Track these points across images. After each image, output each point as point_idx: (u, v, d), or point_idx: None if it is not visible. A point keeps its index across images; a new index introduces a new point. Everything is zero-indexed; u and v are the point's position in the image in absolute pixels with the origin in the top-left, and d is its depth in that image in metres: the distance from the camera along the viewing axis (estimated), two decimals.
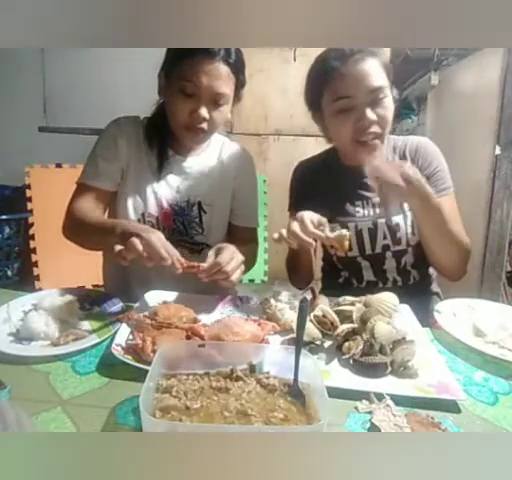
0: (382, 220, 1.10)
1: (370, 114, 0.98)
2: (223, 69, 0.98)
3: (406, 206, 1.10)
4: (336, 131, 1.06)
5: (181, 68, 0.98)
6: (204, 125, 1.02)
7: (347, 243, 0.92)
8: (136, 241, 0.82)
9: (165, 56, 1.05)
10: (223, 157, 1.19)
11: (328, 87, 1.01)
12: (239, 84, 1.05)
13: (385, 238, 1.10)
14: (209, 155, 1.19)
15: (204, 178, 1.16)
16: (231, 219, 1.22)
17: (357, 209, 1.12)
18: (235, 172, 1.20)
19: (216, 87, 0.98)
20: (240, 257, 0.94)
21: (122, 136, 1.10)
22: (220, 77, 0.98)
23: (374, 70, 0.98)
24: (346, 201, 1.13)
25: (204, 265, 0.90)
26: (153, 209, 1.12)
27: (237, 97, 1.09)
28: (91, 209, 1.06)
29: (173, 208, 1.13)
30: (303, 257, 1.11)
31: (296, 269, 1.18)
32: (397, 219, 1.09)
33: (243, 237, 1.21)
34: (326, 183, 1.15)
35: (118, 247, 0.84)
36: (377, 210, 1.11)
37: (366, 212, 1.12)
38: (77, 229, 1.05)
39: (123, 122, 1.12)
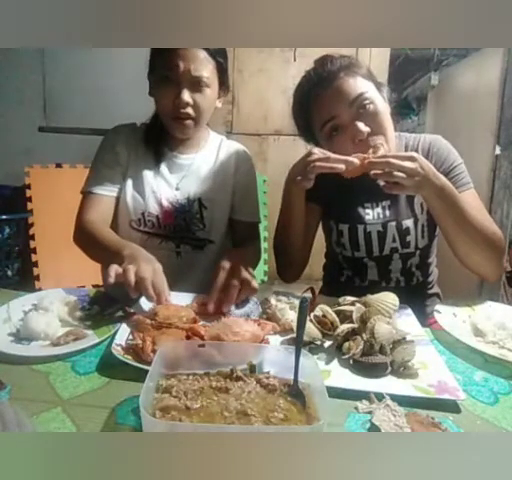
0: (392, 223, 1.09)
1: (362, 127, 0.96)
2: (198, 52, 1.01)
3: (418, 210, 1.09)
4: (339, 152, 1.03)
5: (160, 59, 1.03)
6: (189, 110, 1.04)
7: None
8: (131, 270, 0.81)
9: (150, 55, 1.07)
10: (221, 154, 1.21)
11: (313, 114, 1.04)
12: (221, 69, 1.07)
13: (394, 241, 1.09)
14: (207, 152, 1.20)
15: (203, 175, 1.17)
16: (232, 214, 1.23)
17: (367, 211, 1.11)
18: (234, 168, 1.21)
19: (193, 70, 1.01)
20: (236, 283, 0.92)
21: (120, 143, 1.13)
22: (196, 60, 1.01)
23: (345, 84, 0.97)
24: (357, 203, 1.12)
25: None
26: (153, 208, 1.13)
27: (223, 85, 1.11)
28: (100, 222, 1.07)
29: (174, 206, 1.15)
30: (294, 229, 1.07)
31: (286, 247, 1.12)
32: (407, 223, 1.08)
33: (245, 232, 1.23)
34: (337, 184, 1.14)
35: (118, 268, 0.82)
36: (387, 213, 1.10)
37: (376, 214, 1.11)
38: (85, 242, 1.07)
39: (120, 130, 1.17)
